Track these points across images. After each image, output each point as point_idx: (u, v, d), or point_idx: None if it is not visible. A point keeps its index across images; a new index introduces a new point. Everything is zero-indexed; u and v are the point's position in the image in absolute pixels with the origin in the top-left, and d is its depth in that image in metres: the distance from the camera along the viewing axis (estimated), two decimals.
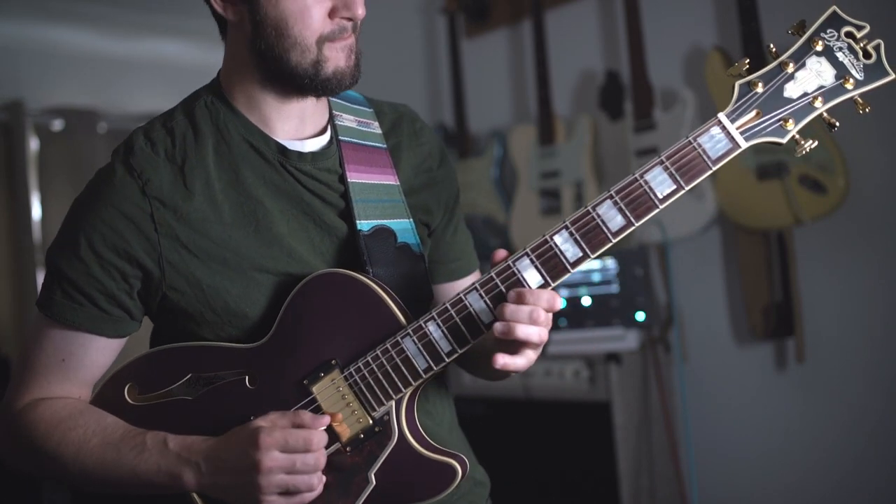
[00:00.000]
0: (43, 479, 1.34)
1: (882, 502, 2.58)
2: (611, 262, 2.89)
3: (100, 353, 1.24)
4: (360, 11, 1.17)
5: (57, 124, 4.69)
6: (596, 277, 2.92)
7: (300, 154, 1.24)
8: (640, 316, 2.84)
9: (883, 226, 2.58)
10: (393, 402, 1.17)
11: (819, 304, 2.69)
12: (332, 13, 1.17)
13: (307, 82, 1.19)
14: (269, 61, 1.18)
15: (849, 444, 2.65)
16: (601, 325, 2.88)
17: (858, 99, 1.13)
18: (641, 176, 1.12)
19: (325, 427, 1.15)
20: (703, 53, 2.89)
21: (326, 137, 1.28)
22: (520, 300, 1.11)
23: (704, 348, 2.98)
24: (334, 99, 1.33)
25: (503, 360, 1.13)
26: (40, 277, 4.50)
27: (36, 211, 4.53)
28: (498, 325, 1.10)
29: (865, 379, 2.62)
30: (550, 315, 1.13)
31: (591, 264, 2.91)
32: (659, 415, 2.86)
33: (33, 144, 4.62)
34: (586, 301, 2.92)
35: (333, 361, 1.18)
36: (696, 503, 2.84)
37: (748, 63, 1.14)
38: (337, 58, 1.18)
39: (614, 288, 2.88)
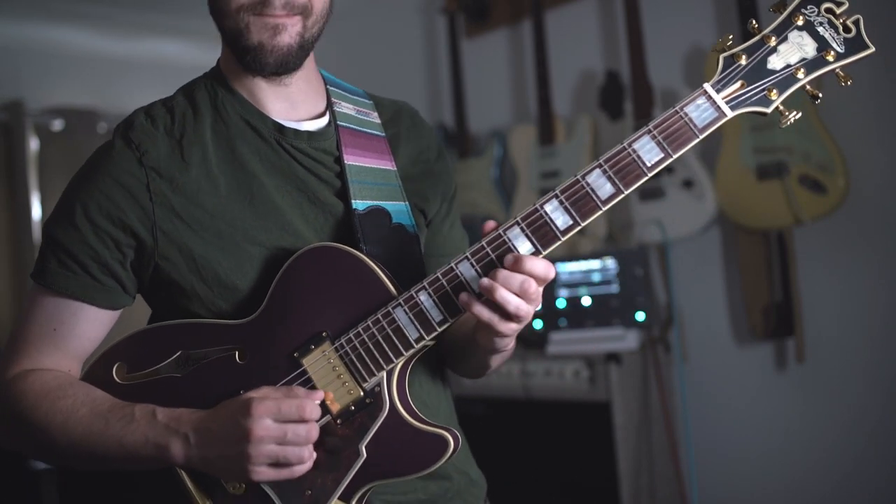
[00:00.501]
0: (29, 456, 1.31)
1: (882, 502, 2.58)
2: (611, 262, 2.89)
3: (91, 325, 1.23)
4: None
5: (57, 124, 4.69)
6: (596, 277, 2.92)
7: (296, 132, 1.25)
8: (640, 316, 2.84)
9: (883, 226, 2.58)
10: (384, 374, 1.17)
11: (819, 304, 2.69)
12: None
13: (240, 56, 1.21)
14: (220, 32, 1.23)
15: (849, 444, 2.66)
16: (601, 325, 2.88)
17: (840, 72, 1.15)
18: (630, 145, 1.13)
19: (319, 401, 1.14)
20: (703, 53, 2.89)
21: (325, 121, 1.29)
22: (515, 267, 1.10)
23: (704, 348, 2.98)
24: (333, 88, 1.34)
25: (477, 307, 1.11)
26: None
27: (36, 211, 4.53)
28: (484, 281, 1.10)
29: (865, 379, 2.62)
30: (540, 290, 1.12)
31: (592, 264, 2.91)
32: (659, 415, 2.86)
33: (33, 144, 4.62)
34: (586, 301, 2.92)
35: (324, 334, 1.17)
36: (696, 503, 2.84)
37: (731, 38, 1.16)
38: (259, 32, 1.19)
39: (614, 288, 2.88)
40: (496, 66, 3.66)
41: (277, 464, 1.11)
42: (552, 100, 3.23)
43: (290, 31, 1.20)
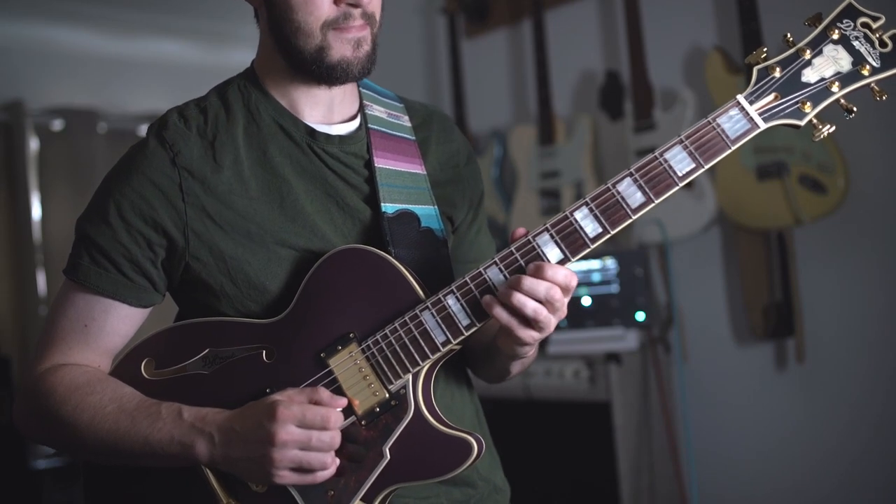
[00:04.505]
0: (58, 450, 1.33)
1: (882, 502, 2.58)
2: (611, 262, 2.89)
3: (121, 322, 1.24)
4: None
5: (57, 124, 4.69)
6: (596, 277, 2.92)
7: (328, 136, 1.25)
8: (640, 316, 2.84)
9: (883, 226, 2.58)
10: (410, 376, 1.17)
11: (819, 304, 2.69)
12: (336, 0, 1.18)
13: (314, 69, 1.20)
14: (283, 46, 1.21)
15: (849, 444, 2.65)
16: (601, 325, 2.88)
17: (875, 86, 1.16)
18: (661, 154, 1.14)
19: (342, 408, 1.15)
20: (703, 53, 2.89)
21: (356, 124, 1.30)
22: (538, 274, 1.11)
23: (704, 348, 2.98)
24: (365, 90, 1.35)
25: (497, 309, 1.12)
26: (40, 277, 4.50)
27: (36, 211, 4.53)
28: (501, 288, 1.11)
29: (865, 379, 2.62)
30: (565, 300, 1.12)
31: (592, 264, 2.91)
32: (659, 415, 2.86)
33: (33, 144, 4.61)
34: (586, 301, 2.92)
35: (351, 335, 1.18)
36: (696, 503, 2.84)
37: (766, 50, 1.16)
38: (342, 48, 1.19)
39: (614, 288, 2.88)
40: (496, 66, 3.66)
41: (300, 469, 1.12)
42: (552, 100, 3.23)
43: (366, 41, 1.21)
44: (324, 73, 1.20)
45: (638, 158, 2.89)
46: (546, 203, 3.26)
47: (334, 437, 1.12)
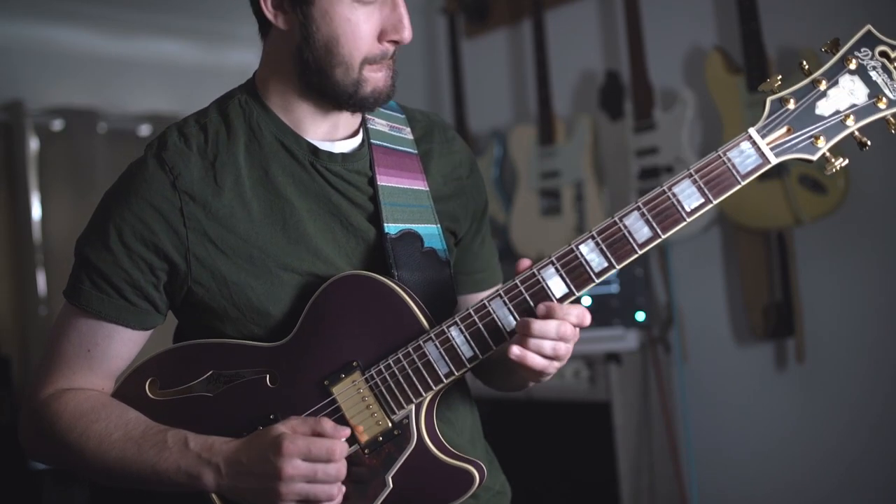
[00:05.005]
0: (63, 470, 1.34)
1: (882, 502, 2.58)
2: None
3: (124, 345, 1.24)
4: (408, 35, 1.19)
5: (57, 124, 4.68)
6: None
7: (331, 154, 1.24)
8: (640, 316, 2.84)
9: (883, 226, 2.58)
10: (413, 406, 1.17)
11: (819, 304, 2.69)
12: (381, 36, 1.18)
13: (345, 99, 1.20)
14: (312, 74, 1.20)
15: (849, 443, 2.65)
16: (601, 325, 2.88)
17: (891, 119, 1.13)
18: (670, 188, 1.12)
19: (345, 437, 1.15)
20: (703, 53, 2.89)
21: (358, 140, 1.29)
22: (549, 314, 1.11)
23: (704, 348, 2.98)
24: None
25: (518, 350, 1.11)
26: (40, 277, 4.50)
27: (36, 211, 4.52)
28: (514, 349, 1.11)
29: (865, 379, 2.62)
30: (577, 331, 1.13)
31: None
32: (659, 415, 2.86)
33: (33, 144, 4.61)
34: (586, 301, 2.92)
35: (355, 363, 1.18)
36: (696, 503, 2.84)
37: (780, 79, 1.13)
38: (376, 79, 1.20)
39: (614, 288, 2.88)
40: (496, 66, 3.66)
41: (307, 501, 1.12)
42: (552, 100, 3.23)
43: (393, 69, 1.23)
44: (356, 103, 1.21)
45: (638, 158, 2.92)
46: (546, 203, 3.26)
47: (340, 470, 1.12)
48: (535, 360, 1.11)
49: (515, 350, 1.11)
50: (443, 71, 3.84)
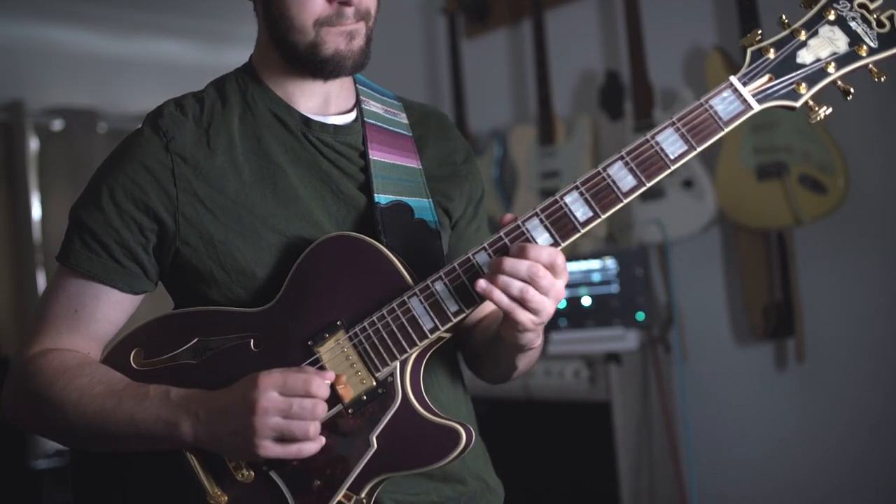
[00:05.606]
0: (43, 435, 1.33)
1: (882, 502, 2.58)
2: (611, 262, 2.89)
3: (112, 308, 1.24)
4: None
5: (57, 124, 4.69)
6: (596, 277, 2.92)
7: (323, 125, 1.26)
8: (640, 316, 2.84)
9: (883, 226, 2.58)
10: (397, 364, 1.16)
11: (819, 304, 2.69)
12: None
13: (309, 63, 1.22)
14: (280, 42, 1.23)
15: (849, 444, 2.66)
16: (601, 325, 2.88)
17: (873, 67, 1.13)
18: (653, 137, 1.12)
19: (329, 382, 1.14)
20: (703, 53, 2.89)
21: (352, 116, 1.30)
22: (521, 254, 1.09)
23: (704, 348, 2.98)
24: (363, 87, 1.36)
25: (484, 284, 1.08)
26: (40, 277, 4.50)
27: (36, 211, 4.53)
28: (481, 282, 1.08)
29: (865, 379, 2.62)
30: (556, 282, 1.09)
31: (591, 264, 2.91)
32: (659, 415, 2.86)
33: (33, 144, 4.62)
34: (586, 301, 2.92)
35: (339, 322, 1.17)
36: (696, 503, 2.84)
37: (760, 33, 1.14)
38: (335, 41, 1.20)
39: (614, 288, 2.88)
40: (496, 66, 3.66)
41: (283, 439, 1.10)
42: (552, 100, 3.23)
43: (360, 36, 1.23)
44: (318, 66, 1.22)
45: None
46: None
47: (317, 405, 1.10)
48: (501, 298, 1.08)
49: (482, 283, 1.08)
50: (443, 71, 3.84)
